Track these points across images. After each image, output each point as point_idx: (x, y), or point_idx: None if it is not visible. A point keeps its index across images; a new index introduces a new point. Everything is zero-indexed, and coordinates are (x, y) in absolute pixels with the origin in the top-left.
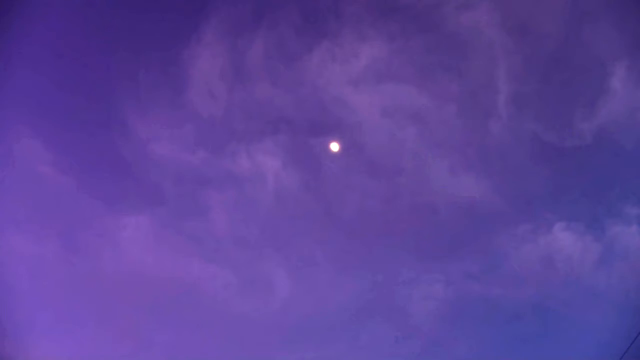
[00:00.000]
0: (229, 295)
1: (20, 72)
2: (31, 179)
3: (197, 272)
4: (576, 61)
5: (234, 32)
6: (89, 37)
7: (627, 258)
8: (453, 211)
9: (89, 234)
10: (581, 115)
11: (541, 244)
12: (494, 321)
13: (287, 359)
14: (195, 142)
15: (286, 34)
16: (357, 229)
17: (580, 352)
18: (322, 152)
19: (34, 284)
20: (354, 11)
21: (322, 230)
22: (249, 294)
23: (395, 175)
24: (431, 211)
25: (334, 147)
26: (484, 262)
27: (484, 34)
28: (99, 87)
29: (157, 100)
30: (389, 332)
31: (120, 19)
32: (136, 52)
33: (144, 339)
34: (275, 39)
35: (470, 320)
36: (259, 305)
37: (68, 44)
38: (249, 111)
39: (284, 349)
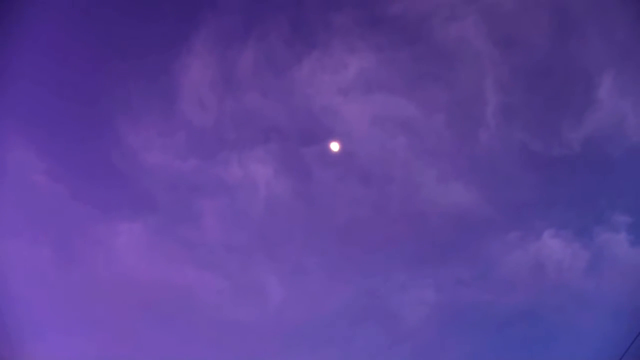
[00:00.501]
0: (222, 301)
1: (14, 82)
2: (25, 187)
3: (190, 278)
4: (563, 72)
5: (224, 43)
6: (82, 48)
7: (615, 265)
8: (443, 218)
9: (83, 240)
10: (568, 125)
11: (531, 251)
12: (484, 326)
13: None
14: (187, 151)
15: (276, 45)
16: (348, 235)
17: (570, 357)
18: (313, 160)
19: (28, 290)
20: (343, 22)
21: (313, 237)
22: (242, 300)
23: (386, 183)
24: (422, 218)
25: (334, 146)
26: (475, 268)
27: (471, 46)
28: (91, 97)
29: (149, 110)
30: (381, 337)
31: (112, 30)
32: (128, 63)
33: (137, 345)
34: (265, 49)
35: (461, 326)
36: (252, 311)
37: (61, 55)
38: (239, 120)
39: (276, 354)
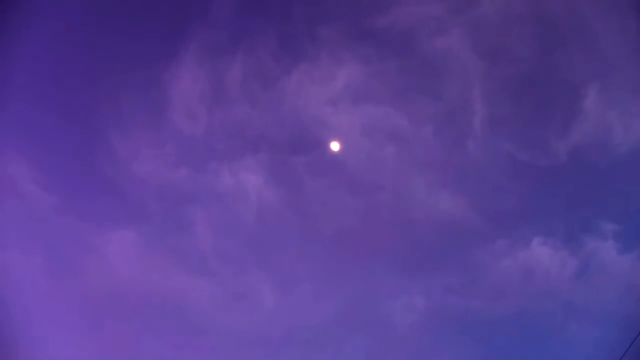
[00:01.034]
0: (214, 308)
1: (3, 95)
2: (17, 198)
3: (182, 286)
4: (549, 83)
5: (214, 56)
6: (72, 60)
7: (603, 272)
8: (432, 227)
9: (76, 250)
10: (555, 135)
11: (519, 259)
12: (474, 333)
13: None
14: (177, 161)
15: (265, 57)
16: (339, 243)
17: None
18: (303, 170)
19: (20, 300)
20: (331, 35)
21: (304, 245)
22: (234, 307)
23: (375, 192)
24: (411, 227)
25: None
26: (464, 275)
27: (458, 58)
28: (82, 108)
29: (140, 120)
30: (371, 344)
31: (103, 42)
32: (118, 75)
33: (130, 352)
34: (254, 61)
35: (450, 332)
36: (244, 318)
37: (51, 67)
38: (229, 131)
39: None
